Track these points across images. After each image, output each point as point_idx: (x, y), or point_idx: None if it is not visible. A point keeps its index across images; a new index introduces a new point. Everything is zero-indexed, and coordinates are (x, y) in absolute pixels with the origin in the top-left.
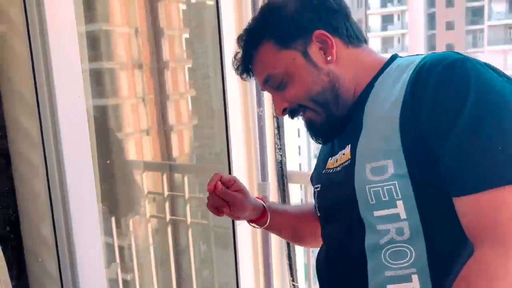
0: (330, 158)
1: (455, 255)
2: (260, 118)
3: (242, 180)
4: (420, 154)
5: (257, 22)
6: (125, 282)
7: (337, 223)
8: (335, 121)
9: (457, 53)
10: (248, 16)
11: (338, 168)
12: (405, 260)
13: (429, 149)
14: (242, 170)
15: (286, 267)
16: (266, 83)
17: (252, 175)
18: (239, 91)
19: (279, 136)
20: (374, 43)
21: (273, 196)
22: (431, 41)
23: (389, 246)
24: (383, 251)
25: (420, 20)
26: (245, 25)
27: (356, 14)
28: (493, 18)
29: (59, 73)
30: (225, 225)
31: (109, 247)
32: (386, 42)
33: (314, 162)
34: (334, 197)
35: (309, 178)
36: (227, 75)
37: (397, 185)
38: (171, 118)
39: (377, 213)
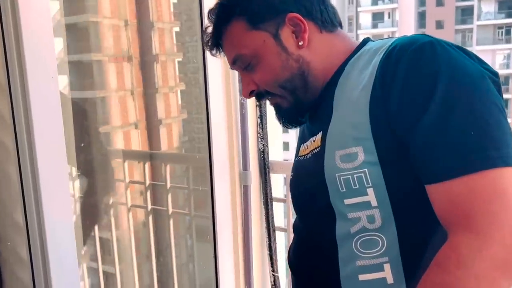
0: (302, 145)
1: (428, 243)
2: (242, 106)
3: (223, 169)
4: (390, 140)
5: None
6: (106, 273)
7: (307, 212)
8: (303, 107)
9: (427, 35)
10: None
11: (309, 155)
12: (376, 249)
13: (400, 136)
14: (223, 159)
15: (267, 257)
16: (235, 63)
17: (233, 164)
18: (221, 79)
19: (262, 125)
20: None
21: (254, 186)
22: None
23: (360, 234)
24: (354, 240)
25: (411, 19)
26: None
27: (347, 12)
28: (482, 17)
29: (30, 53)
30: (206, 215)
31: (91, 239)
32: (377, 39)
33: None
34: (305, 186)
35: None
36: (209, 62)
37: (367, 172)
38: (160, 112)
39: (347, 201)
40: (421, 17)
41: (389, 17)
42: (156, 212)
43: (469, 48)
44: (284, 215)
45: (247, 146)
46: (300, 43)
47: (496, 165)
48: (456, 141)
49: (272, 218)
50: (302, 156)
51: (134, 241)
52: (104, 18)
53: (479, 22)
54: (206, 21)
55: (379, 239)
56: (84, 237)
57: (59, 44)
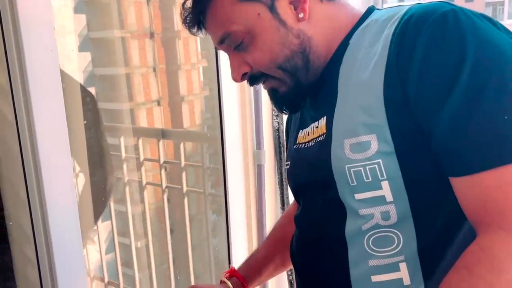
0: (300, 131)
1: (449, 240)
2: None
3: (236, 148)
4: (408, 127)
5: None
6: (122, 245)
7: (311, 206)
8: (303, 90)
9: (447, 2)
10: None
11: (311, 144)
12: (392, 247)
13: (420, 121)
14: (236, 137)
15: None
16: (222, 42)
17: (246, 143)
18: None
19: None
20: None
21: (269, 165)
22: None
23: (373, 231)
24: (366, 237)
25: None
26: None
27: None
28: None
29: (27, 25)
30: (220, 193)
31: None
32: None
33: None
34: (307, 177)
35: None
36: None
37: (381, 163)
38: (182, 89)
39: (358, 196)
40: None
41: None
42: (171, 190)
43: (500, 22)
44: None
45: (261, 124)
46: (300, 15)
47: None
48: (487, 127)
49: (288, 198)
50: (302, 143)
51: (150, 219)
52: None
53: None
54: None
55: (394, 236)
56: (96, 214)
57: (82, 20)
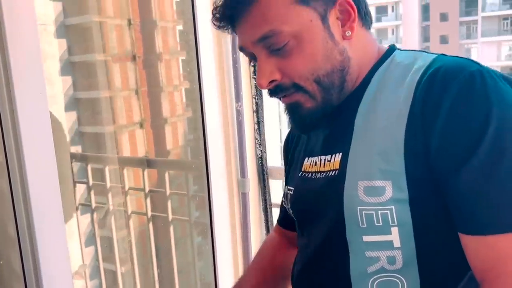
0: (306, 158)
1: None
2: (239, 113)
3: (220, 177)
4: (425, 178)
5: None
6: (107, 271)
7: (315, 236)
8: (329, 109)
9: (472, 61)
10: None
11: (320, 176)
12: None
13: (438, 174)
14: (220, 166)
15: None
16: (262, 41)
17: (231, 172)
18: (217, 85)
19: (259, 131)
20: None
21: (253, 193)
22: (425, 33)
23: (379, 275)
24: (371, 280)
25: (414, 11)
26: None
27: None
28: (487, 9)
29: (18, 70)
30: (205, 221)
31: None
32: (380, 33)
33: None
34: (313, 208)
35: (284, 174)
36: (203, 67)
37: (394, 210)
38: (165, 110)
39: (367, 238)
40: (425, 10)
41: (392, 11)
42: (156, 218)
43: (474, 40)
44: None
45: (245, 153)
46: (347, 33)
47: None
48: (505, 191)
49: (272, 224)
50: (309, 173)
51: (135, 247)
52: (107, 18)
53: (484, 14)
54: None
55: (398, 282)
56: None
57: (63, 45)
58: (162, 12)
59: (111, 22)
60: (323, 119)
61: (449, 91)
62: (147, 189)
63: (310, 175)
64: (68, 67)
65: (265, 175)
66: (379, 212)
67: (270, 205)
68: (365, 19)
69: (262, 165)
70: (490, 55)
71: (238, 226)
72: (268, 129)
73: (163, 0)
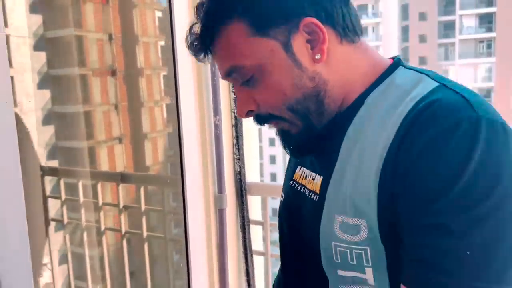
0: (299, 167)
1: None
2: (217, 127)
3: (197, 192)
4: (394, 221)
5: None
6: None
7: (300, 256)
8: (316, 133)
9: (484, 104)
10: None
11: (306, 192)
12: None
13: (398, 226)
14: (197, 181)
15: (244, 283)
16: (230, 75)
17: (208, 187)
18: (194, 99)
19: (238, 146)
20: None
21: (230, 209)
22: (405, 54)
23: None
24: None
25: (394, 33)
26: None
27: None
28: (464, 32)
29: None
30: (180, 238)
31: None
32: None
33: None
34: (297, 226)
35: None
36: (181, 81)
37: (368, 251)
38: (145, 126)
39: (341, 273)
40: (405, 32)
41: (373, 31)
42: (130, 235)
43: (451, 62)
44: (262, 239)
45: (222, 168)
46: (316, 57)
47: None
48: (452, 254)
49: (250, 242)
50: (298, 184)
51: (108, 265)
52: (87, 32)
53: (461, 36)
54: (192, 17)
55: None
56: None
57: (42, 58)
58: (144, 27)
59: (92, 36)
60: (313, 142)
61: (427, 133)
62: (121, 205)
63: (298, 187)
64: (47, 80)
65: (243, 191)
66: (354, 251)
67: (248, 221)
68: (344, 33)
69: (241, 180)
70: (467, 76)
71: (214, 243)
72: (247, 144)
73: (145, 16)
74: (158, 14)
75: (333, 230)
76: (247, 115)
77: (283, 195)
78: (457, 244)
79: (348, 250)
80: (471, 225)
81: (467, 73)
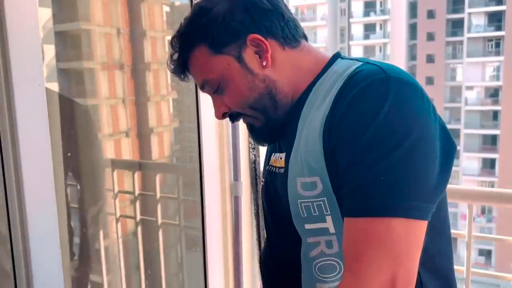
0: (273, 154)
1: None
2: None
3: (214, 180)
4: (337, 173)
5: (188, 24)
6: (93, 283)
7: (278, 225)
8: (275, 124)
9: (391, 69)
10: None
11: (277, 171)
12: (333, 274)
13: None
14: (214, 169)
15: (257, 269)
16: (203, 88)
17: (224, 174)
18: None
19: None
20: (356, 51)
21: (246, 197)
22: (412, 51)
23: (319, 259)
24: (314, 263)
25: (402, 30)
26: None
27: (339, 22)
28: (472, 30)
29: (17, 60)
30: (196, 226)
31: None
32: (368, 50)
33: None
34: (274, 200)
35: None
36: None
37: (326, 201)
38: (152, 120)
39: (308, 226)
40: (412, 29)
41: (380, 29)
42: (145, 222)
43: (459, 60)
44: None
45: (238, 156)
46: (264, 63)
47: (396, 214)
48: (368, 182)
49: (263, 229)
50: (273, 167)
51: (123, 252)
52: (96, 26)
53: (469, 35)
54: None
55: (336, 264)
56: (72, 249)
57: (50, 51)
58: (152, 22)
59: (100, 30)
60: (276, 130)
61: (349, 96)
62: (137, 192)
63: (274, 169)
64: (55, 74)
65: (258, 179)
66: (314, 203)
67: (262, 209)
68: (285, 42)
69: (255, 169)
70: (475, 75)
71: (229, 230)
72: None
73: (153, 10)
74: (166, 8)
75: (297, 190)
76: (223, 116)
77: (263, 180)
78: (374, 177)
79: (310, 204)
80: (386, 166)
81: (475, 72)
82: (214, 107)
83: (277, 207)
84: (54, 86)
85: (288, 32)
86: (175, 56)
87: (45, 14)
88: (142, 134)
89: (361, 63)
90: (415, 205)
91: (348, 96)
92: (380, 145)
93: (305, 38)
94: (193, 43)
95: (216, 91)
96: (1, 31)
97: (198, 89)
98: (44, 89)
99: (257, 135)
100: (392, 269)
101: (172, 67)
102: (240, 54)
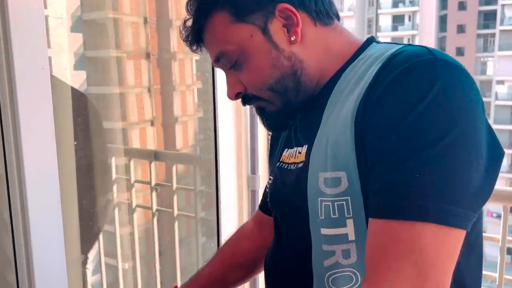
0: (286, 149)
1: None
2: (252, 108)
3: (230, 173)
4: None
5: None
6: (109, 265)
7: (286, 225)
8: (292, 109)
9: (435, 51)
10: None
11: (292, 167)
12: (349, 286)
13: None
14: (231, 162)
15: None
16: (218, 61)
17: (241, 167)
18: None
19: None
20: None
21: (263, 190)
22: (441, 44)
23: (334, 271)
24: (327, 275)
25: (431, 22)
26: None
27: (366, 13)
28: (505, 22)
29: (19, 43)
30: (211, 218)
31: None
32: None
33: None
34: (285, 198)
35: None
36: None
37: (349, 201)
38: (177, 110)
39: (324, 231)
40: (442, 21)
41: (409, 20)
42: (161, 213)
43: (490, 53)
44: None
45: (256, 150)
46: (292, 38)
47: (427, 219)
48: (399, 179)
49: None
50: (285, 163)
51: (138, 242)
52: (123, 15)
53: (502, 27)
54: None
55: (353, 275)
56: (84, 237)
57: (79, 39)
58: (178, 11)
59: (127, 19)
60: (291, 117)
61: (391, 75)
62: (153, 183)
63: (286, 166)
64: (83, 62)
65: None
66: (335, 203)
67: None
68: (318, 17)
69: None
70: (507, 69)
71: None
72: None
73: (180, 0)
74: None
75: (318, 187)
76: (236, 96)
77: (271, 178)
78: (407, 174)
79: (330, 203)
80: (422, 162)
81: (507, 66)
82: (228, 85)
83: (290, 208)
84: (82, 74)
85: (322, 6)
86: (190, 22)
87: (74, 2)
88: (167, 123)
89: (402, 45)
90: (452, 209)
91: (386, 80)
92: (418, 137)
93: (338, 17)
94: (213, 6)
95: (233, 66)
96: (2, 7)
97: (216, 75)
98: (48, 72)
99: (270, 119)
100: (417, 284)
101: (185, 34)
102: (266, 24)
